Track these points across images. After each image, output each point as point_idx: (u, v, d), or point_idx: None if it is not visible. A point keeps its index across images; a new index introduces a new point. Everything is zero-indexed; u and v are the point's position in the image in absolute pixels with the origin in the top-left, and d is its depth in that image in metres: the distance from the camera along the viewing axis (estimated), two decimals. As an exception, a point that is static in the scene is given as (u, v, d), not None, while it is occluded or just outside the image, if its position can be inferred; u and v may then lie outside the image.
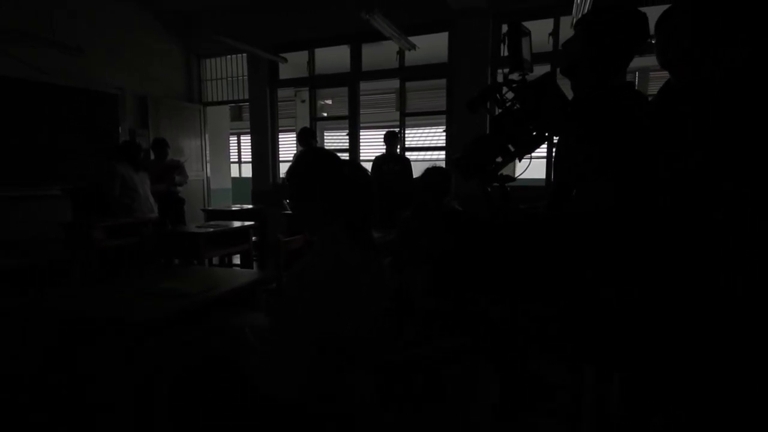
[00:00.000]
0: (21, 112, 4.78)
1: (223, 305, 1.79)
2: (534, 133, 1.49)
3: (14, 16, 4.63)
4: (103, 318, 1.56)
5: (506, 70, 1.53)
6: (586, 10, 3.59)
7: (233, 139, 10.96)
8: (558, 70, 1.52)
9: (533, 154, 1.61)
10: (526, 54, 1.50)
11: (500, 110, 1.55)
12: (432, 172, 2.44)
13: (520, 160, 1.59)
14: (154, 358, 1.55)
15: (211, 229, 3.47)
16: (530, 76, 1.50)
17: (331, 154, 1.39)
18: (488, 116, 1.68)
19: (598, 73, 1.35)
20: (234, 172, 10.03)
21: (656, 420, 1.47)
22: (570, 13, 4.34)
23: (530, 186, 4.73)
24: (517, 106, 1.52)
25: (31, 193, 4.75)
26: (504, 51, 1.63)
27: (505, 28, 5.07)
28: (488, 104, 1.56)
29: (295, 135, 9.78)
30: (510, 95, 1.51)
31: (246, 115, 11.19)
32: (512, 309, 1.56)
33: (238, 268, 2.35)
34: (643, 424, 1.47)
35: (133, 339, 1.52)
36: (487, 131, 1.61)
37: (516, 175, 1.67)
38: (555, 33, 4.88)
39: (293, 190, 1.34)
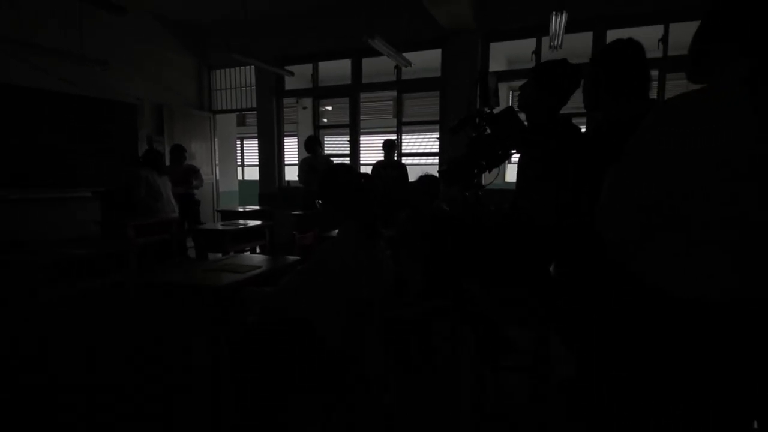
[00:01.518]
0: (50, 120, 5.25)
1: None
2: (500, 152, 2.00)
3: (45, 32, 5.11)
4: (204, 286, 2.12)
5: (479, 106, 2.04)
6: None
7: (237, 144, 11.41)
8: (517, 105, 2.02)
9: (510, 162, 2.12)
10: (492, 91, 2.01)
11: (475, 134, 2.06)
12: (424, 178, 2.94)
13: (489, 172, 2.10)
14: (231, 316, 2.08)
15: (234, 227, 3.97)
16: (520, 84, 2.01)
17: (348, 168, 1.89)
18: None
19: (543, 109, 1.85)
20: (238, 175, 10.45)
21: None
22: (547, 33, 4.86)
23: (507, 189, 5.24)
24: (488, 131, 2.03)
25: (62, 195, 5.22)
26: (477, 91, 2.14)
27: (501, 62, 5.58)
28: (466, 129, 2.07)
29: (296, 140, 10.27)
30: (482, 123, 2.02)
31: (248, 120, 11.69)
32: (482, 286, 2.07)
33: (272, 256, 2.87)
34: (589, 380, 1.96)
35: (222, 300, 2.04)
36: (466, 149, 2.11)
37: (484, 184, 2.18)
38: (537, 51, 5.40)
39: (321, 195, 1.85)
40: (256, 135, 10.93)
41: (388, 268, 1.96)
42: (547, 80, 1.86)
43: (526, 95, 1.91)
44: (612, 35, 5.13)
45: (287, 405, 1.80)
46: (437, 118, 6.09)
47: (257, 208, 6.36)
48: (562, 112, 1.90)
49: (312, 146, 5.59)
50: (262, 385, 1.78)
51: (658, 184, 0.95)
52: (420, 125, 8.32)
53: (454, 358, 2.31)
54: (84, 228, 4.83)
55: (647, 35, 5.09)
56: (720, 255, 0.94)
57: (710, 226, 0.93)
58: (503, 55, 7.54)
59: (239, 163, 11.41)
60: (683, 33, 4.96)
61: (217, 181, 7.74)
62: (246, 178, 9.71)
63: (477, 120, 2.02)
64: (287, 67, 6.61)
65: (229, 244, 3.85)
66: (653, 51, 5.01)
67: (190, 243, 5.20)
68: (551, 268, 1.99)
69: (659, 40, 5.02)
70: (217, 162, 7.76)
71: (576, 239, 1.57)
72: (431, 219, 2.27)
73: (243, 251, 4.00)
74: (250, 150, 11.59)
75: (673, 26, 5.01)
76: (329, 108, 11.33)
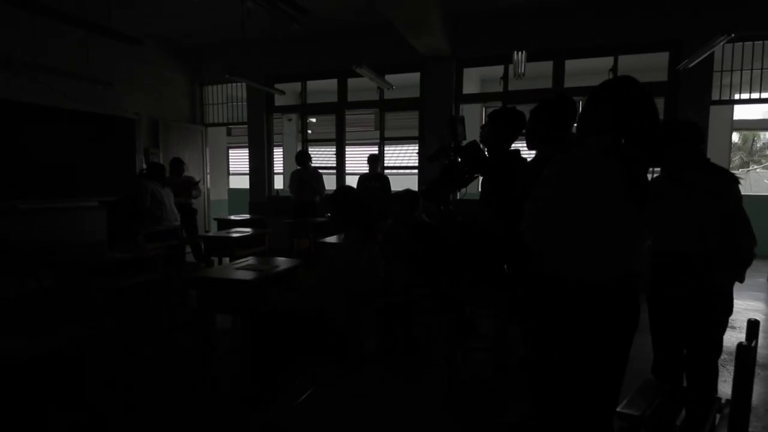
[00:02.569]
0: (55, 134, 5.62)
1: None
2: (466, 176, 2.58)
3: (55, 51, 5.50)
4: (232, 280, 2.64)
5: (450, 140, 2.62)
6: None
7: (223, 154, 11.76)
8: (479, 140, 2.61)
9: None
10: (459, 130, 2.59)
11: (447, 161, 2.64)
12: (406, 193, 3.51)
13: (458, 190, 2.68)
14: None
15: (241, 234, 4.51)
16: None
17: (352, 189, 2.45)
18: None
19: (496, 145, 2.44)
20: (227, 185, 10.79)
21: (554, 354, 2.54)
22: (512, 61, 5.54)
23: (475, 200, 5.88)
24: (458, 159, 2.61)
25: (70, 205, 5.59)
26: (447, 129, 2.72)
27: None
28: (440, 158, 2.65)
29: (281, 149, 10.67)
30: (452, 154, 2.60)
31: (234, 131, 12.09)
32: (452, 281, 2.65)
33: (282, 257, 3.44)
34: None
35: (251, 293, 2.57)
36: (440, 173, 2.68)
37: (452, 198, 2.76)
38: (505, 77, 6.07)
39: (332, 210, 2.40)
40: (242, 145, 11.37)
41: (380, 265, 2.51)
42: (500, 123, 2.45)
43: (485, 133, 2.49)
44: (569, 64, 5.85)
45: (288, 370, 2.32)
46: (416, 133, 6.69)
47: (248, 216, 6.82)
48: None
49: (302, 160, 6.11)
50: (276, 355, 2.30)
51: (554, 211, 1.52)
52: (401, 140, 8.92)
53: (430, 340, 2.88)
54: (92, 235, 5.23)
55: (600, 64, 5.84)
56: (594, 254, 1.52)
57: (586, 236, 1.50)
58: (477, 76, 8.23)
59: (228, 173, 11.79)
60: (629, 63, 5.73)
61: (208, 189, 8.15)
62: (232, 186, 10.10)
63: (448, 151, 2.60)
64: (278, 86, 7.11)
65: (236, 250, 4.34)
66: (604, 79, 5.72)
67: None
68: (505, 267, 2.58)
69: (610, 70, 5.74)
70: (208, 172, 8.18)
71: (519, 245, 2.15)
72: (415, 228, 2.83)
73: (245, 256, 4.47)
74: (236, 159, 11.98)
75: (621, 57, 5.74)
76: (313, 120, 11.85)
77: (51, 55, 5.43)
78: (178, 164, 6.08)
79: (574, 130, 2.13)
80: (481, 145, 2.52)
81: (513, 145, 2.49)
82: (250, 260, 3.10)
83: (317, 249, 3.93)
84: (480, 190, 2.70)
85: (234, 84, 7.76)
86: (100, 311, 3.02)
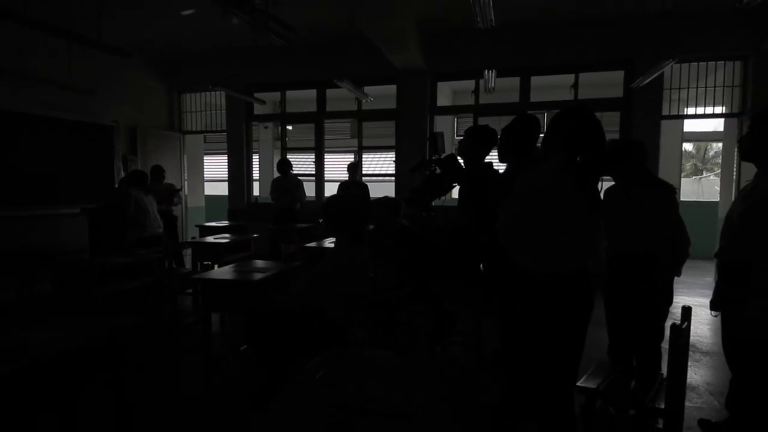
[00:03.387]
0: (36, 142, 5.63)
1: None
2: (445, 186, 2.87)
3: (35, 59, 5.52)
4: (240, 280, 2.84)
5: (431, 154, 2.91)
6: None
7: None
8: (457, 152, 2.91)
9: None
10: (440, 144, 2.89)
11: (428, 172, 2.92)
12: (389, 200, 3.78)
13: (439, 198, 2.97)
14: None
15: (230, 240, 4.68)
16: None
17: (344, 197, 2.69)
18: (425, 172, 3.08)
19: (472, 158, 2.74)
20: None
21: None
22: (483, 76, 5.91)
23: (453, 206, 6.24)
24: (438, 170, 2.90)
25: (51, 212, 5.59)
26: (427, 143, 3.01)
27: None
28: (421, 170, 2.93)
29: (257, 156, 10.73)
30: (432, 165, 2.89)
31: (209, 137, 12.09)
32: (433, 279, 2.93)
33: (272, 261, 3.68)
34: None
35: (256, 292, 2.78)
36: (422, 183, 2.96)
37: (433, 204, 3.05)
38: (476, 91, 6.46)
39: (325, 217, 2.62)
40: (217, 151, 11.39)
41: (369, 266, 2.76)
42: (476, 138, 2.76)
43: (463, 147, 2.79)
44: (535, 80, 6.29)
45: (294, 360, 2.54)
46: (393, 141, 6.99)
47: (227, 223, 6.91)
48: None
49: (283, 168, 6.30)
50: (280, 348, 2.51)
51: (525, 215, 1.82)
52: (378, 149, 9.20)
53: (413, 336, 3.15)
54: (72, 242, 5.26)
55: (563, 80, 6.30)
56: (556, 251, 1.82)
57: (550, 236, 1.80)
58: (449, 89, 8.63)
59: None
60: (589, 79, 6.21)
61: (186, 197, 8.19)
62: (207, 193, 10.11)
63: (429, 163, 2.89)
64: (258, 95, 7.28)
65: (225, 255, 4.48)
66: (566, 94, 6.20)
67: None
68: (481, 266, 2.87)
69: (571, 86, 6.21)
70: (185, 179, 8.23)
71: (495, 246, 2.45)
72: (400, 233, 3.10)
73: (232, 261, 4.64)
74: (211, 166, 11.96)
75: (582, 75, 6.21)
76: (289, 127, 12.00)
77: (32, 64, 5.45)
78: (158, 172, 6.16)
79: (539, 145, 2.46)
80: (459, 158, 2.82)
81: (487, 158, 2.81)
82: (247, 263, 3.30)
83: (304, 253, 4.15)
84: (458, 197, 3.00)
85: (212, 92, 7.86)
86: (104, 312, 3.16)
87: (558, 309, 1.80)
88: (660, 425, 2.03)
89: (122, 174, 6.87)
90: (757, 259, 1.97)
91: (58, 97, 5.76)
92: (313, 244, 4.24)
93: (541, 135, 2.20)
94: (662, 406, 1.93)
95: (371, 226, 3.91)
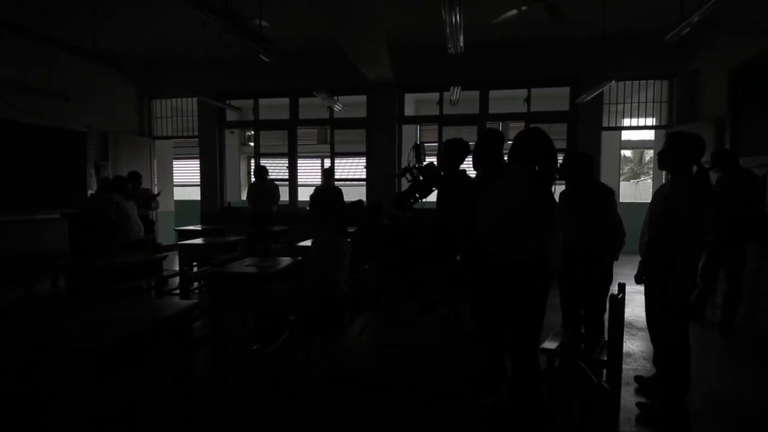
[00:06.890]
0: (10, 148, 5.63)
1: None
2: (426, 189, 3.34)
3: (9, 67, 5.53)
4: (248, 274, 3.17)
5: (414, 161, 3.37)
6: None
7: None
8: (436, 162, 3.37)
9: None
10: (422, 153, 3.35)
11: (412, 177, 3.37)
12: (371, 203, 4.21)
13: (422, 200, 3.43)
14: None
15: (221, 241, 4.96)
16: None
17: (329, 193, 3.10)
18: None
19: (449, 166, 3.22)
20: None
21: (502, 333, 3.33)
22: (447, 89, 6.48)
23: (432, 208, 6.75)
24: (420, 177, 3.36)
25: (30, 217, 5.60)
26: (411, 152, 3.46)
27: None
28: (406, 175, 3.38)
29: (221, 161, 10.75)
30: (415, 172, 3.35)
31: (176, 141, 12.03)
32: (415, 271, 3.38)
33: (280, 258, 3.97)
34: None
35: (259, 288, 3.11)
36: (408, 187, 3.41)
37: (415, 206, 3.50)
38: (440, 102, 7.02)
39: (312, 211, 3.02)
40: (186, 156, 11.35)
41: (348, 252, 3.17)
42: (453, 149, 3.24)
43: (442, 157, 3.27)
44: (493, 93, 6.93)
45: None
46: (363, 148, 7.42)
47: (200, 227, 7.07)
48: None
49: (260, 174, 6.59)
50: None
51: (495, 213, 2.30)
52: (348, 155, 9.60)
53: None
54: (55, 245, 5.32)
55: (518, 94, 6.97)
56: (520, 240, 2.32)
57: (515, 228, 2.30)
58: (413, 98, 9.17)
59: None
60: (540, 94, 6.90)
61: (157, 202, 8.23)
62: (176, 198, 10.10)
63: (412, 170, 3.34)
64: (232, 102, 7.49)
65: (216, 256, 4.73)
66: (520, 107, 6.87)
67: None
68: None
69: (525, 99, 6.89)
70: (156, 184, 8.27)
71: (472, 239, 2.93)
72: (383, 233, 3.53)
73: (223, 262, 4.90)
74: (180, 171, 11.90)
75: (534, 89, 6.91)
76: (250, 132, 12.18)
77: (7, 70, 5.46)
78: (136, 177, 6.26)
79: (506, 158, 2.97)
80: (437, 166, 3.29)
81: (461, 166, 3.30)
82: (248, 260, 3.61)
83: (295, 251, 4.51)
84: (437, 200, 3.47)
85: (182, 98, 7.99)
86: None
87: (526, 284, 2.30)
88: (603, 378, 2.58)
89: (94, 180, 6.90)
90: (679, 248, 2.48)
91: (32, 102, 5.77)
92: (307, 243, 4.60)
93: (508, 142, 2.69)
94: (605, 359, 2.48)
95: (355, 228, 4.34)
